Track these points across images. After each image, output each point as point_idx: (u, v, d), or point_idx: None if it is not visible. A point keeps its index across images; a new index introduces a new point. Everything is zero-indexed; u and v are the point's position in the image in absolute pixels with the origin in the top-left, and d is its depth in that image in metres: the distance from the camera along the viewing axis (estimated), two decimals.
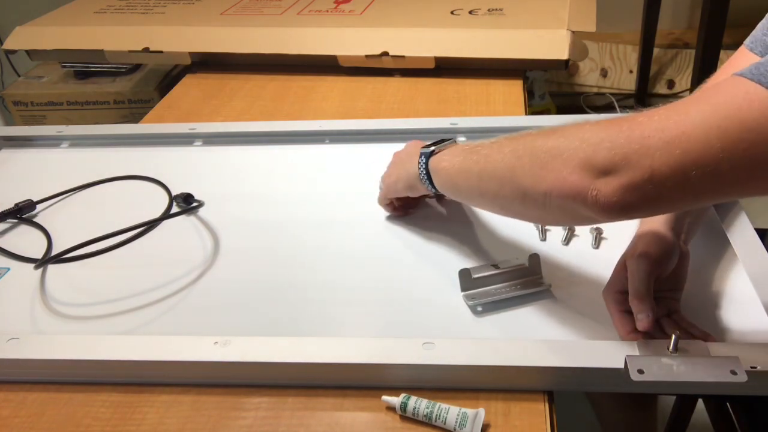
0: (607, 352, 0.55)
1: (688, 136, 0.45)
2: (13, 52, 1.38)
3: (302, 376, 0.58)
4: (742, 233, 0.70)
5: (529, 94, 2.16)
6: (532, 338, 0.60)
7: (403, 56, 1.21)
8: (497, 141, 0.59)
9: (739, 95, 0.44)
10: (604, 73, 2.35)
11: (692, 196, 0.48)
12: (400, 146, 0.80)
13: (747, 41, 0.72)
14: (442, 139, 0.69)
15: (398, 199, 0.78)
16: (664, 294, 0.61)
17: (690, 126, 0.45)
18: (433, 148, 0.67)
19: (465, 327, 0.63)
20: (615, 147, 0.47)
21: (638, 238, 0.62)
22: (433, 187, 0.67)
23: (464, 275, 0.65)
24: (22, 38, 1.36)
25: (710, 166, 0.44)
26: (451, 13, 1.32)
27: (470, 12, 1.31)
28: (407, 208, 0.79)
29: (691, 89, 1.96)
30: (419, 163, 0.68)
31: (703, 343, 0.55)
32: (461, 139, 0.93)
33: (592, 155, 0.48)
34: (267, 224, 0.80)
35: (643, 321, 0.56)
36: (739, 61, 0.73)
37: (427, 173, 0.67)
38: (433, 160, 0.67)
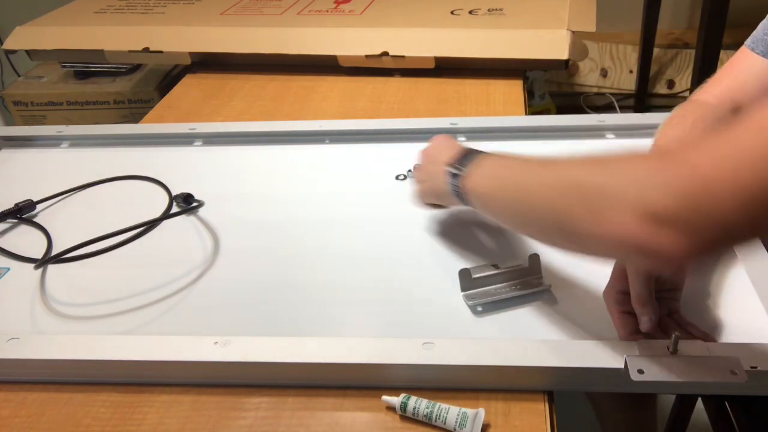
0: (607, 352, 0.55)
1: (749, 170, 0.40)
2: (13, 52, 1.38)
3: (302, 376, 0.58)
4: None
5: (529, 94, 2.16)
6: (532, 338, 0.60)
7: (403, 56, 1.21)
8: (530, 165, 0.55)
9: None
10: (604, 73, 2.35)
11: (759, 234, 0.45)
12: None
13: (748, 41, 0.72)
14: (465, 153, 0.64)
15: None
16: (664, 294, 0.61)
17: (749, 157, 0.41)
18: (458, 171, 0.62)
19: (465, 327, 0.63)
20: (675, 192, 0.42)
21: None
22: (469, 204, 0.63)
23: (464, 275, 0.65)
24: (22, 38, 1.36)
25: None
26: (451, 13, 1.32)
27: (470, 12, 1.31)
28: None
29: (691, 89, 1.96)
30: (448, 183, 0.64)
31: (703, 343, 0.55)
32: (461, 138, 0.93)
33: (650, 201, 0.43)
34: (267, 224, 0.80)
35: (646, 323, 0.56)
36: (740, 61, 0.73)
37: (460, 194, 0.63)
38: (463, 183, 0.62)
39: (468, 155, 0.63)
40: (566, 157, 0.51)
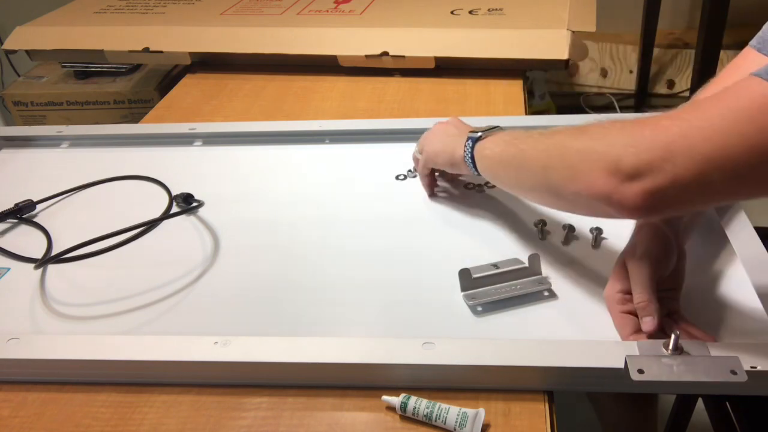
0: (607, 352, 0.55)
1: (709, 141, 0.46)
2: (13, 52, 1.38)
3: (302, 376, 0.58)
4: (741, 232, 0.70)
5: (529, 94, 2.16)
6: (532, 338, 0.60)
7: (403, 56, 1.21)
8: (532, 135, 0.62)
9: (758, 98, 0.45)
10: (604, 73, 2.35)
11: (712, 197, 0.51)
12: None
13: (753, 42, 0.71)
14: (490, 126, 0.71)
15: (437, 173, 0.81)
16: (664, 294, 0.61)
17: (711, 131, 0.46)
18: (480, 134, 0.70)
19: (465, 327, 0.63)
20: (640, 152, 0.49)
21: (636, 238, 0.62)
22: (476, 171, 0.70)
23: (464, 275, 0.65)
24: (22, 38, 1.36)
25: (731, 169, 0.46)
26: (451, 13, 1.32)
27: (470, 12, 1.31)
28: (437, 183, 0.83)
29: (691, 89, 1.96)
30: (466, 146, 0.70)
31: (703, 343, 0.55)
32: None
33: (617, 160, 0.50)
34: (267, 224, 0.80)
35: (649, 323, 0.57)
36: (745, 62, 0.72)
37: (472, 157, 0.69)
38: (477, 147, 0.69)
39: (492, 128, 0.70)
40: (563, 127, 0.58)
